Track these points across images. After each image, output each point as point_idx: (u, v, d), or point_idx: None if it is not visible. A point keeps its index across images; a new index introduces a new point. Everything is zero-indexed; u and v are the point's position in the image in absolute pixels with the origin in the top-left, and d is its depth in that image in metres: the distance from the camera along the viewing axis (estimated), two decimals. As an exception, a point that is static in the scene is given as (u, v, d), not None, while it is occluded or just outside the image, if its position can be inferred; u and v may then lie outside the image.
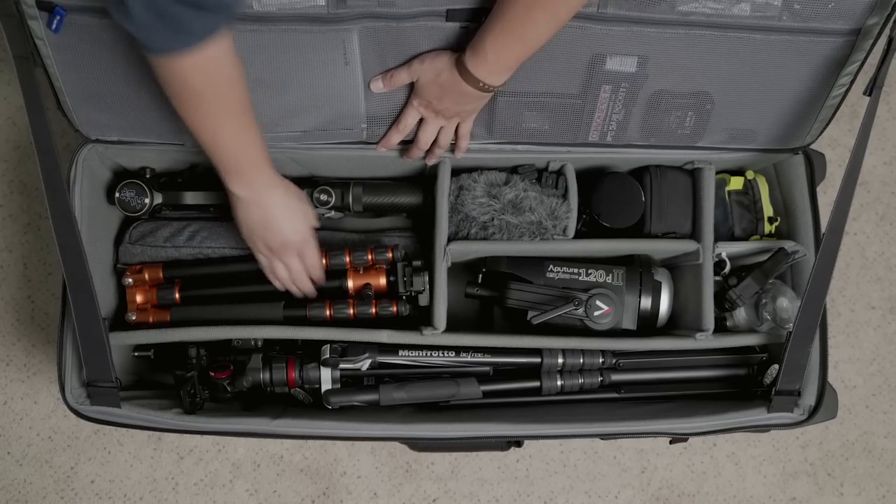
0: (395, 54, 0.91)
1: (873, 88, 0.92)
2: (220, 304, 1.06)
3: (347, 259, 1.03)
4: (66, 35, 0.85)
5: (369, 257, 1.03)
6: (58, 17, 0.82)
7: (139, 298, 1.05)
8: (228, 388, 1.02)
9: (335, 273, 1.04)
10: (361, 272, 1.05)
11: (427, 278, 1.02)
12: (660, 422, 1.02)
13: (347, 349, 1.03)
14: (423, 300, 1.03)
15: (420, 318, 1.06)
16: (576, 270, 1.06)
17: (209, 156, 0.86)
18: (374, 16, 0.84)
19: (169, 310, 1.04)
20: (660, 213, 1.09)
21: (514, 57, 0.85)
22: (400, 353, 1.04)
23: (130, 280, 1.04)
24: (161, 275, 1.05)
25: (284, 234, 0.95)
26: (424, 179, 1.12)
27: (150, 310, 1.05)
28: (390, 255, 1.03)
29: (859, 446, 1.35)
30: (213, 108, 0.81)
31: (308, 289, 1.03)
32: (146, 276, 1.05)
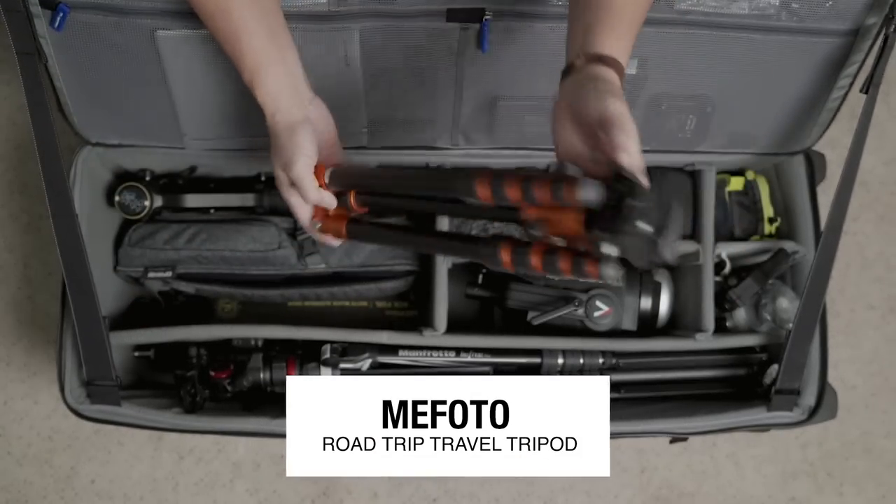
0: (396, 56, 0.91)
1: (870, 86, 0.92)
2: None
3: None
4: (69, 33, 0.84)
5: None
6: (61, 14, 0.82)
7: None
8: (228, 388, 1.02)
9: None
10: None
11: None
12: (660, 422, 1.02)
13: (347, 349, 1.03)
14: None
15: (420, 318, 1.05)
16: (576, 271, 1.06)
17: None
18: (375, 14, 0.85)
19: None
20: (660, 213, 1.09)
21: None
22: (400, 353, 1.04)
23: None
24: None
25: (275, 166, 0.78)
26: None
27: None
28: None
29: (859, 446, 1.35)
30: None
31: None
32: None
